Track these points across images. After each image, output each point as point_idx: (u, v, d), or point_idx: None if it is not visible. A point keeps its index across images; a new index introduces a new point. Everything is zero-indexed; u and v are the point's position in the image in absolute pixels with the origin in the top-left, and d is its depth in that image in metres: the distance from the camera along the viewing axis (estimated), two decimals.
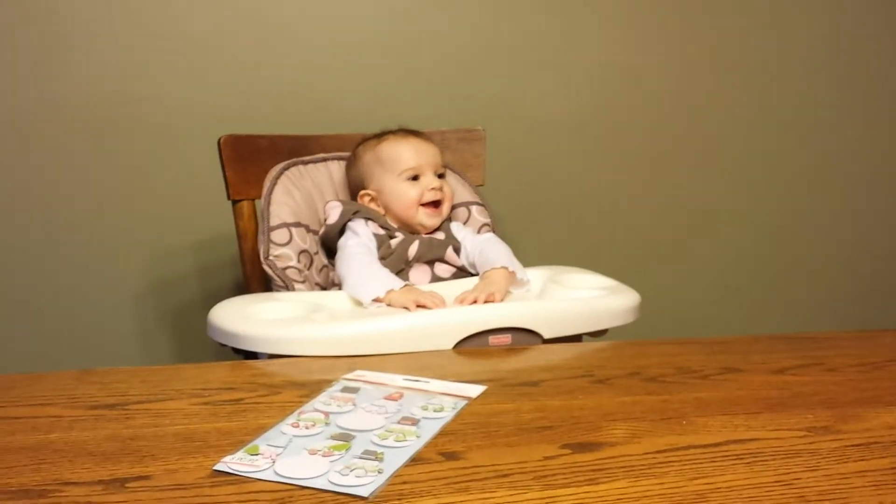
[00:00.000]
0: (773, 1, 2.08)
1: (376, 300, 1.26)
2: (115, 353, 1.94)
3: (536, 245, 2.03)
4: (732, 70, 2.10)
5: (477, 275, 1.40)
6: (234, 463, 0.74)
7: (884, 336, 1.20)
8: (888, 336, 1.20)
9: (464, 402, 0.90)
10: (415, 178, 1.45)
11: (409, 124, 1.55)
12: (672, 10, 2.04)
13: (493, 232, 1.57)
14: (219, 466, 0.74)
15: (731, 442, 0.81)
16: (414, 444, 0.79)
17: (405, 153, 1.46)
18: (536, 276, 1.40)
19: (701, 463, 0.77)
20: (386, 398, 0.91)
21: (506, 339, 1.17)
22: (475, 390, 0.94)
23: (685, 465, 0.76)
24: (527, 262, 1.44)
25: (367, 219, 1.44)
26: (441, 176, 1.49)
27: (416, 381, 0.97)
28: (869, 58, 2.16)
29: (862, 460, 0.78)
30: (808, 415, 0.88)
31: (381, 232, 1.43)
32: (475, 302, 1.25)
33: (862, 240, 2.25)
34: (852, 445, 0.81)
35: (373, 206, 1.48)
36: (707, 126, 2.11)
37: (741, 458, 0.78)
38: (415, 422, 0.84)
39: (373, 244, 1.40)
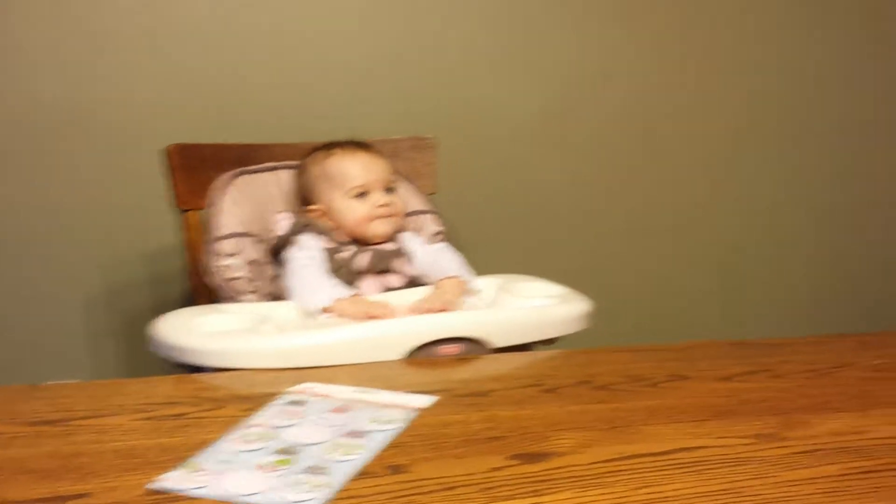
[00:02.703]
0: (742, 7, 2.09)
1: (324, 310, 1.24)
2: (66, 364, 1.90)
3: (490, 253, 2.00)
4: (694, 74, 2.10)
5: (429, 284, 1.39)
6: (173, 480, 0.72)
7: (832, 342, 1.21)
8: (836, 342, 1.21)
9: (413, 414, 0.89)
10: (363, 194, 1.43)
11: (360, 132, 1.54)
12: (630, 11, 2.05)
13: (446, 241, 1.56)
14: (157, 485, 0.72)
15: (679, 450, 0.81)
16: (361, 457, 0.77)
17: (353, 170, 1.43)
18: (488, 284, 1.40)
19: (649, 472, 0.77)
20: (333, 411, 0.89)
21: (456, 348, 1.16)
22: (425, 401, 0.93)
23: (633, 474, 0.76)
24: (480, 270, 1.43)
25: (317, 233, 1.42)
26: (391, 189, 1.47)
27: (365, 392, 0.96)
28: (842, 60, 2.16)
29: (809, 467, 0.78)
30: (755, 422, 0.88)
31: (331, 246, 1.41)
32: (427, 312, 1.23)
33: (822, 245, 2.26)
34: (799, 452, 0.81)
35: (323, 220, 1.46)
36: (666, 132, 2.12)
37: (689, 467, 0.78)
38: (362, 435, 0.83)
39: (322, 257, 1.38)
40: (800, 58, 2.13)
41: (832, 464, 0.79)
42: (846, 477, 0.77)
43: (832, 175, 2.21)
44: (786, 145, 2.16)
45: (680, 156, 2.13)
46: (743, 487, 0.74)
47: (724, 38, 2.09)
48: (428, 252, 1.46)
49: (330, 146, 1.48)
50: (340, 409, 0.90)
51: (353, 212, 1.42)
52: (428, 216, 1.59)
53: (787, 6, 2.11)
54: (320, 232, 1.43)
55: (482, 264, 1.48)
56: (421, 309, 1.24)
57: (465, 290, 1.35)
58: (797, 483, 0.76)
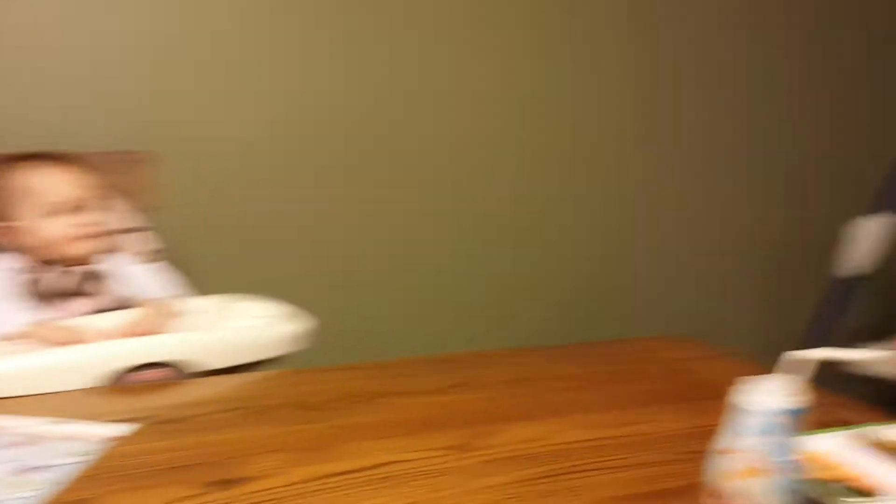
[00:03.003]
0: (459, 22, 2.14)
1: (14, 336, 1.14)
2: None
3: (216, 273, 1.95)
4: (418, 84, 2.14)
5: (136, 306, 1.32)
6: None
7: (528, 354, 1.29)
8: (531, 354, 1.28)
9: (106, 445, 0.84)
10: (61, 211, 1.31)
11: (66, 144, 1.43)
12: (352, 32, 2.06)
13: (162, 260, 1.49)
14: None
15: (379, 465, 0.83)
16: (39, 494, 0.71)
17: (50, 185, 1.31)
18: (204, 306, 1.35)
19: (347, 489, 0.78)
20: (10, 446, 0.82)
21: (162, 372, 1.11)
22: (120, 430, 0.88)
23: (331, 492, 0.77)
24: (208, 290, 1.38)
25: (8, 252, 1.30)
26: (94, 206, 1.36)
27: (52, 423, 0.89)
28: (553, 69, 2.29)
29: (497, 475, 0.83)
30: (452, 433, 0.92)
31: (25, 265, 1.29)
32: (130, 335, 1.17)
33: (560, 255, 2.38)
34: (489, 461, 0.86)
35: (15, 238, 1.33)
36: (392, 146, 2.15)
37: (385, 481, 0.80)
38: (43, 469, 0.77)
39: (13, 279, 1.26)
40: (517, 64, 2.24)
41: (518, 470, 0.85)
42: (530, 481, 0.83)
43: (551, 186, 2.34)
44: (500, 157, 2.25)
45: (405, 169, 2.18)
46: (436, 498, 0.78)
47: (452, 46, 2.16)
48: (137, 272, 1.39)
49: (23, 158, 1.35)
50: (19, 444, 0.82)
51: (50, 230, 1.31)
52: (140, 234, 1.51)
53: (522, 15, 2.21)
54: (12, 251, 1.30)
55: (211, 284, 1.44)
56: (124, 332, 1.18)
57: (175, 312, 1.30)
58: (486, 490, 0.80)
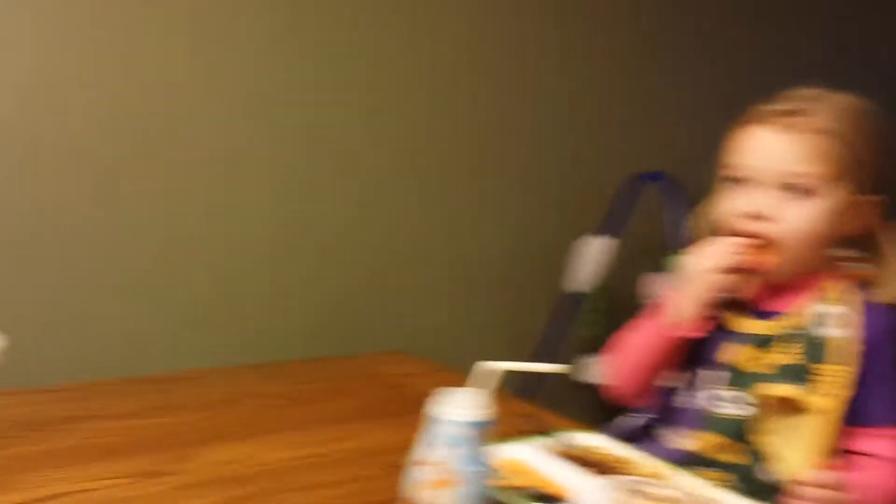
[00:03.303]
0: (226, 22, 2.02)
1: None
2: None
3: None
4: (157, 91, 1.99)
5: None
6: None
7: (237, 372, 1.23)
8: (241, 372, 1.23)
9: None
10: None
11: None
12: (113, 20, 1.88)
13: None
14: None
15: (53, 497, 0.76)
16: None
17: None
18: None
19: None
20: None
21: None
22: None
23: None
24: None
25: None
26: None
27: None
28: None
29: (195, 499, 0.78)
30: (146, 458, 0.86)
31: None
32: None
33: (293, 269, 2.28)
34: (180, 487, 0.81)
35: None
36: (113, 149, 1.98)
37: None
38: None
39: None
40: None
41: (215, 494, 0.80)
42: None
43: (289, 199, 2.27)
44: (239, 173, 2.16)
45: (125, 173, 2.02)
46: None
47: (218, 44, 2.03)
48: None
49: None
50: None
51: None
52: None
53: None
54: None
55: None
56: None
57: None
58: None
